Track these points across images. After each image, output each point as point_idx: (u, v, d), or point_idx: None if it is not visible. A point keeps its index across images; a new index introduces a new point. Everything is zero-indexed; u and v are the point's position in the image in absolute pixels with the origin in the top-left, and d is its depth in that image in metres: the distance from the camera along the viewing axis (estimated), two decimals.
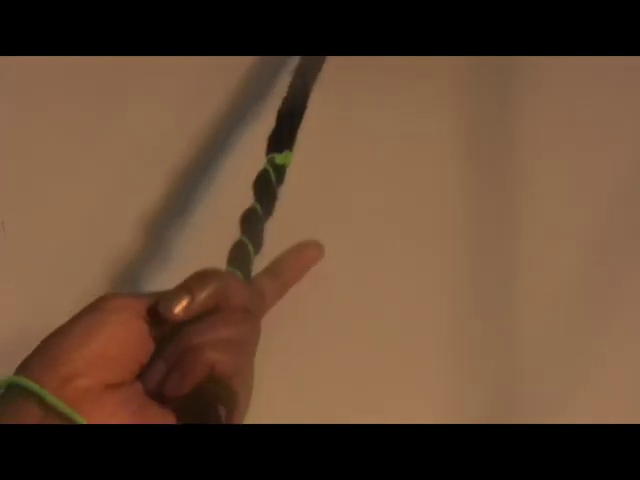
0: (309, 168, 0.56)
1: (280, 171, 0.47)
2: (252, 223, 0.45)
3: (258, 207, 0.46)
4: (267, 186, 0.47)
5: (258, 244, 0.45)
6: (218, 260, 0.45)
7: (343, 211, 0.57)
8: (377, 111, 0.58)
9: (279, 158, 0.47)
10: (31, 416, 0.37)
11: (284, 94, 0.52)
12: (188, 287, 0.39)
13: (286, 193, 0.48)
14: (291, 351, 0.54)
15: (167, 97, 0.56)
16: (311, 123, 0.53)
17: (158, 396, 0.38)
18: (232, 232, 0.48)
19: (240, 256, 0.44)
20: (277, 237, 0.55)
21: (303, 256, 0.51)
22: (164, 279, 0.54)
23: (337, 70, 0.56)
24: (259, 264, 0.46)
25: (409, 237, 0.57)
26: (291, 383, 0.54)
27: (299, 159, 0.50)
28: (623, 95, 0.61)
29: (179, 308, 0.38)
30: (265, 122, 0.55)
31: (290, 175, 0.49)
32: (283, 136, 0.48)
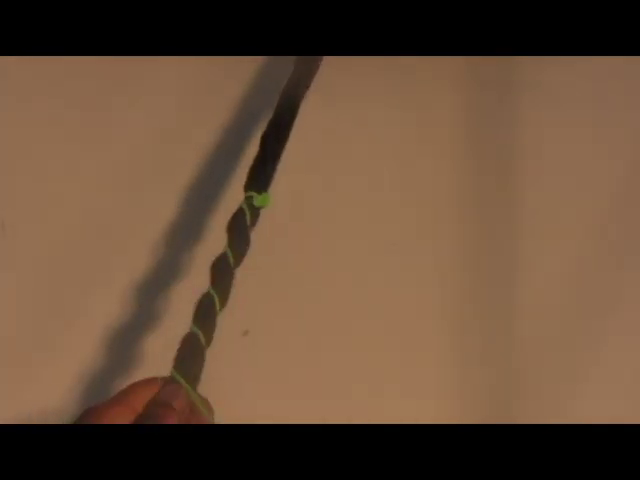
0: (306, 168, 0.56)
1: (256, 213, 0.47)
2: (222, 272, 0.45)
3: (230, 253, 0.45)
4: (241, 230, 0.46)
5: (225, 297, 0.45)
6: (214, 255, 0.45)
7: (342, 211, 0.57)
8: (376, 111, 0.58)
9: (257, 200, 0.47)
10: None
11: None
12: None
13: (284, 194, 0.48)
14: (291, 352, 0.54)
15: (167, 97, 0.56)
16: (309, 123, 0.53)
17: None
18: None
19: (205, 313, 0.44)
20: (276, 238, 0.55)
21: None
22: (163, 275, 0.54)
23: (336, 70, 0.56)
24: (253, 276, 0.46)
25: (409, 237, 0.57)
26: (291, 383, 0.54)
27: (297, 159, 0.50)
28: (623, 95, 0.61)
29: None
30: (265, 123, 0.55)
31: (288, 176, 0.49)
32: (265, 173, 0.48)
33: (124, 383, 0.50)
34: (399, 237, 0.57)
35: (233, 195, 0.55)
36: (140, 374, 0.52)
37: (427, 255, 0.57)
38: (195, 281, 0.45)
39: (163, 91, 0.55)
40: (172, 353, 0.43)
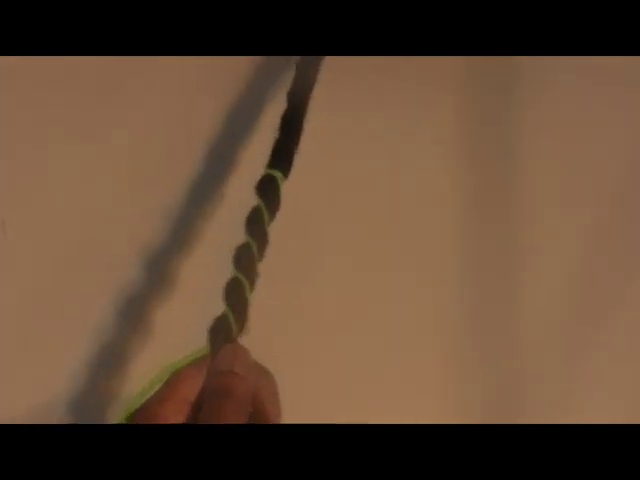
0: (305, 169, 0.56)
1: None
2: (255, 224, 0.47)
3: (263, 207, 0.47)
4: (273, 192, 0.48)
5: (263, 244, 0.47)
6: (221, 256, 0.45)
7: (342, 212, 0.57)
8: (376, 112, 0.58)
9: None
10: None
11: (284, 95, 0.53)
12: None
13: (283, 196, 0.48)
14: (292, 352, 0.54)
15: (167, 97, 0.56)
16: (309, 124, 0.53)
17: None
18: (235, 234, 0.48)
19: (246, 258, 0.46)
20: (277, 239, 0.55)
21: None
22: (159, 274, 0.54)
23: (335, 70, 0.56)
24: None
25: (409, 237, 0.57)
26: (292, 383, 0.54)
27: (296, 160, 0.50)
28: (623, 95, 0.61)
29: None
30: (268, 124, 0.55)
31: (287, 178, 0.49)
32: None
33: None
34: (399, 237, 0.57)
35: (235, 194, 0.55)
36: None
37: (426, 254, 0.57)
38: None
39: (163, 91, 0.55)
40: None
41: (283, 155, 0.50)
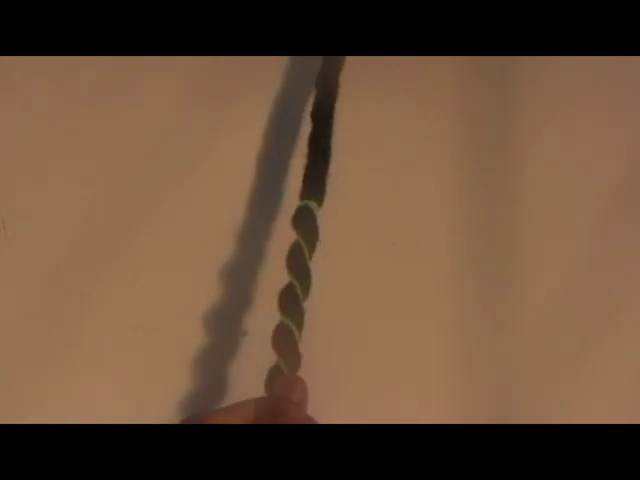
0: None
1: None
2: (297, 261, 0.46)
3: (302, 242, 0.47)
4: (311, 225, 0.47)
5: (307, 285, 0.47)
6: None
7: (342, 212, 0.57)
8: (376, 111, 0.58)
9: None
10: None
11: (286, 96, 0.53)
12: None
13: (286, 195, 0.48)
14: None
15: (168, 97, 0.56)
16: (307, 124, 0.53)
17: None
18: (229, 235, 0.48)
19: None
20: (277, 240, 0.55)
21: None
22: (158, 276, 0.54)
23: None
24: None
25: (409, 236, 0.57)
26: None
27: (297, 160, 0.50)
28: (623, 95, 0.61)
29: None
30: (270, 125, 0.55)
31: (288, 179, 0.49)
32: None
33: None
34: (399, 237, 0.57)
35: (237, 195, 0.55)
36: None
37: (427, 255, 0.57)
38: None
39: (163, 91, 0.55)
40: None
41: (316, 182, 0.47)
